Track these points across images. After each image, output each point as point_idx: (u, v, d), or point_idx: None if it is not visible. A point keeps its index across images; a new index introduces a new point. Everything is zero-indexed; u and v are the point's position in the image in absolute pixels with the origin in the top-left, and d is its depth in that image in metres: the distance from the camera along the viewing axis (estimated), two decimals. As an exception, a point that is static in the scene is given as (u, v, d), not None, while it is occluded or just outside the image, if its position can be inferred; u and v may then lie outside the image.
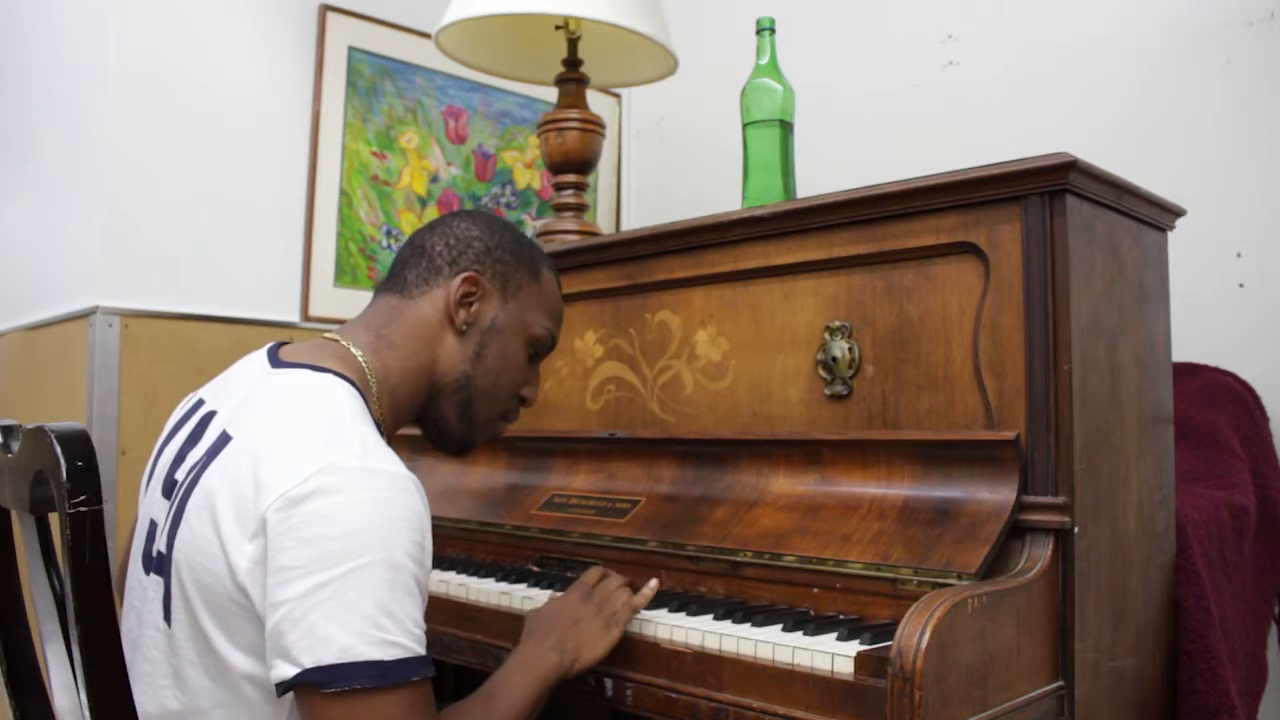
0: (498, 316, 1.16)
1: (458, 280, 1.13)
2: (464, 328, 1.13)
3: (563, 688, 1.15)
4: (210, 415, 1.06)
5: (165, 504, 1.03)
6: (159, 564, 1.01)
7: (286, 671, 0.89)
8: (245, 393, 1.05)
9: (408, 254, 1.16)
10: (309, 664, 0.87)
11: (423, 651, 0.93)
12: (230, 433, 1.00)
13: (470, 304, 1.14)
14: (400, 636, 0.90)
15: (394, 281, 1.15)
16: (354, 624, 0.88)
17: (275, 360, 1.08)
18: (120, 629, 1.03)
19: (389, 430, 1.11)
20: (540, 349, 1.21)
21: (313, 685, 0.88)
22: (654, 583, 1.22)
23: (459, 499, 1.69)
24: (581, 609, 1.17)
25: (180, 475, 1.03)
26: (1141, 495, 1.24)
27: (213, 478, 0.97)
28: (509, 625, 1.32)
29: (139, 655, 1.03)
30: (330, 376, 1.03)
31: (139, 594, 1.06)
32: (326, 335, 1.13)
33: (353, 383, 1.04)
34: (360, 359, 1.09)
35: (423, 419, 1.18)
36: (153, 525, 1.06)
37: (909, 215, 1.22)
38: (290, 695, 0.92)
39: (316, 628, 0.88)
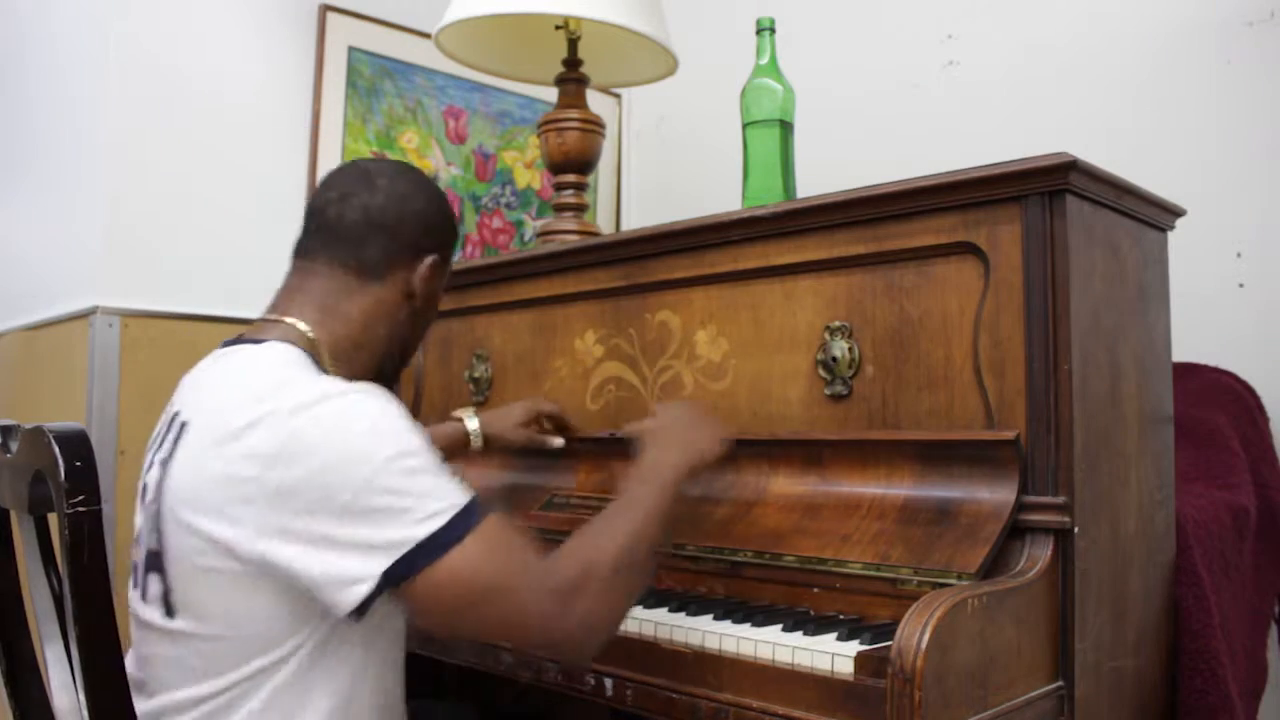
0: (440, 288, 1.21)
1: (426, 264, 1.15)
2: (419, 305, 1.17)
3: (560, 687, 1.14)
4: (175, 415, 1.07)
5: (142, 511, 1.05)
6: (153, 562, 1.01)
7: (360, 591, 0.92)
8: (195, 381, 1.08)
9: (364, 229, 1.13)
10: (379, 571, 0.91)
11: (470, 496, 0.96)
12: (187, 419, 1.01)
13: (428, 283, 1.17)
14: (442, 503, 0.94)
15: (348, 255, 1.12)
16: (398, 519, 0.92)
17: (223, 346, 1.10)
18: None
19: None
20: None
21: (395, 582, 0.92)
22: None
23: (459, 499, 1.69)
24: (685, 412, 1.24)
25: (150, 479, 1.04)
26: (1141, 495, 1.24)
27: (185, 469, 0.98)
28: (509, 625, 1.32)
29: (148, 662, 1.04)
30: (271, 343, 1.05)
31: (133, 607, 1.06)
32: (269, 316, 1.12)
33: (296, 346, 1.06)
34: (307, 333, 1.09)
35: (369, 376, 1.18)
36: (137, 533, 1.07)
37: (909, 215, 1.22)
38: (320, 643, 0.98)
39: (368, 541, 0.91)
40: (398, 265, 1.14)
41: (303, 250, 1.16)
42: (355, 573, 0.92)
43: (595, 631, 0.98)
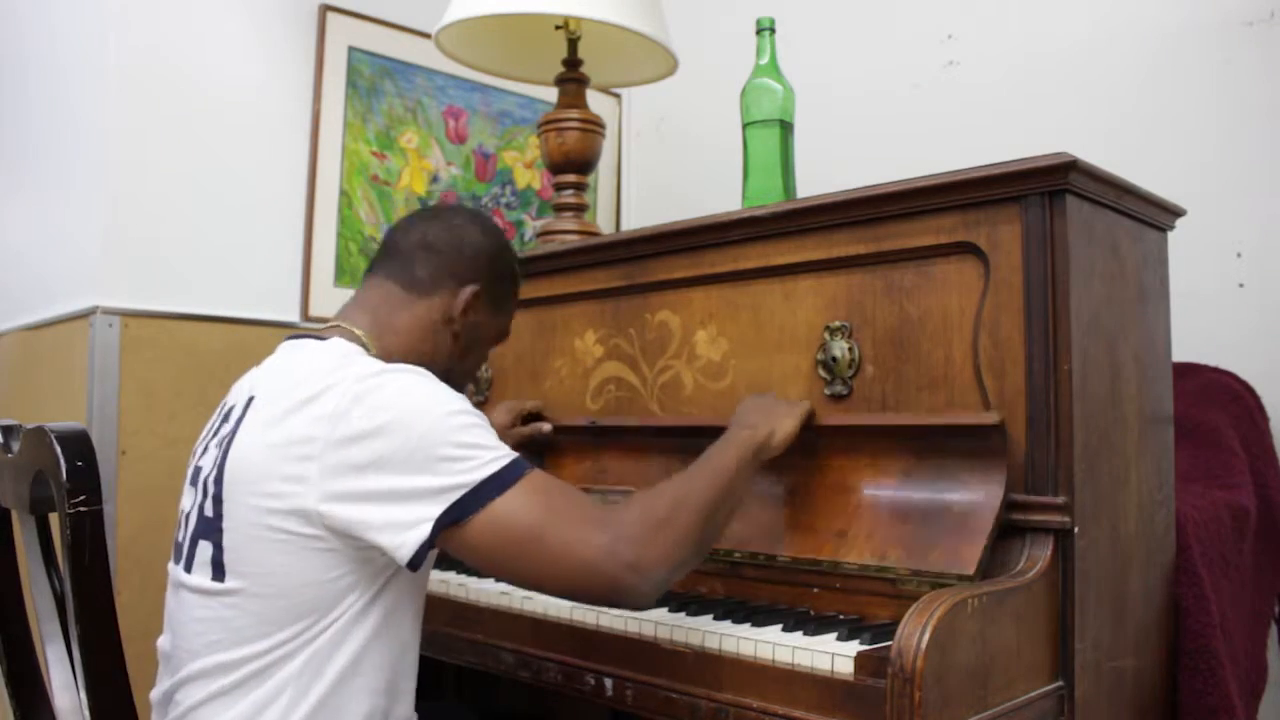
0: (486, 325, 1.26)
1: (466, 292, 1.20)
2: (459, 331, 1.21)
3: (560, 687, 1.14)
4: (231, 408, 1.11)
5: (193, 491, 1.08)
6: (204, 529, 1.04)
7: (419, 534, 0.97)
8: (260, 369, 1.14)
9: (416, 249, 1.22)
10: (439, 512, 0.97)
11: (517, 454, 1.03)
12: (254, 396, 1.07)
13: (470, 313, 1.21)
14: (494, 454, 1.00)
15: (400, 271, 1.21)
16: (455, 467, 0.98)
17: (288, 340, 1.17)
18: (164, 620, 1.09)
19: None
20: (501, 341, 1.32)
21: (451, 524, 0.97)
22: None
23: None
24: (763, 400, 1.29)
25: (204, 462, 1.08)
26: (1141, 495, 1.24)
27: (251, 436, 1.03)
28: (509, 625, 1.32)
29: (184, 631, 1.05)
30: (334, 338, 1.13)
31: (176, 578, 1.09)
32: (329, 323, 1.20)
33: (354, 343, 1.14)
34: (361, 336, 1.16)
35: None
36: (181, 516, 1.10)
37: (909, 215, 1.22)
38: (369, 597, 1.02)
39: (426, 487, 0.97)
40: (442, 286, 1.20)
41: (368, 270, 1.26)
42: (413, 517, 0.97)
43: (649, 575, 0.98)
